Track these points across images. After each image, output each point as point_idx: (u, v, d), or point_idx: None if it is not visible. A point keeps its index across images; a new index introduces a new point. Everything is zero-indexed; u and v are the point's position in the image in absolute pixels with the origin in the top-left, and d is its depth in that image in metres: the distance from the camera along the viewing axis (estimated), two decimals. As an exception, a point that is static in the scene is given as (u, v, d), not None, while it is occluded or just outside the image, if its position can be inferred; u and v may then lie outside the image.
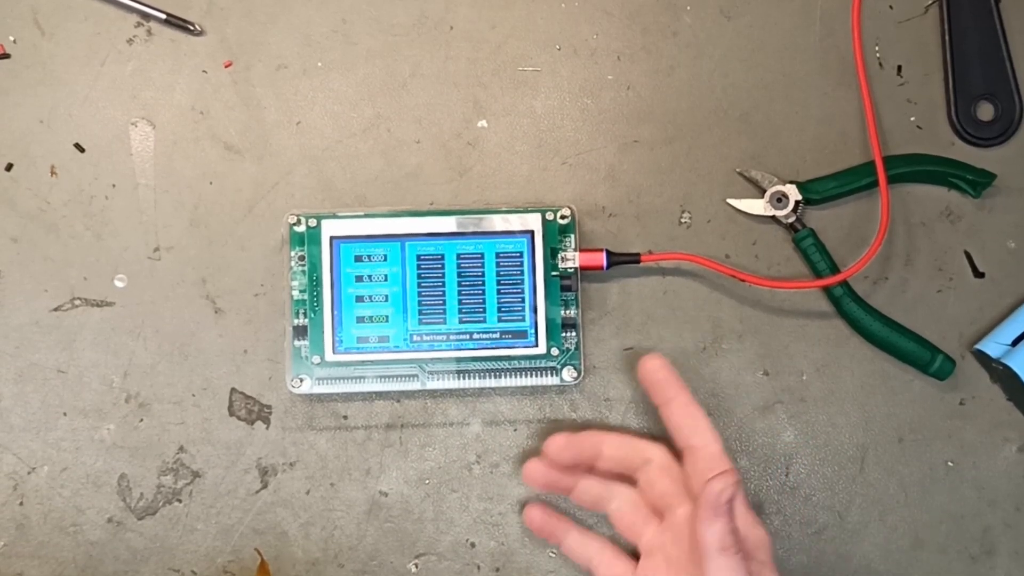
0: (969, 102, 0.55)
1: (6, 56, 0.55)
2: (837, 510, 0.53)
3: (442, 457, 0.53)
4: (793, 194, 0.54)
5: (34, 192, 0.54)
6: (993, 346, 0.52)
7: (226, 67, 0.55)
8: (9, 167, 0.54)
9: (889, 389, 0.53)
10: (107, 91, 0.55)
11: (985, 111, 0.55)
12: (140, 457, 0.52)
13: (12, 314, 0.53)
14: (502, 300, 0.51)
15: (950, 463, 0.53)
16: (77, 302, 0.53)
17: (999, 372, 0.53)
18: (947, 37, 0.55)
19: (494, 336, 0.51)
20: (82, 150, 0.54)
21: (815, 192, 0.54)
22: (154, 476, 0.52)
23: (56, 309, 0.53)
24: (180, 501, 0.52)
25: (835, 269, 0.53)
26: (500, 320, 0.51)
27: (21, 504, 0.52)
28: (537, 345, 0.51)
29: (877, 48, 0.55)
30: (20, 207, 0.54)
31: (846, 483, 0.53)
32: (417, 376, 0.51)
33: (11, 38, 0.55)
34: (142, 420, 0.53)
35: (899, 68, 0.55)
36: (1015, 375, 0.51)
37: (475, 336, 0.51)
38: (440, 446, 0.53)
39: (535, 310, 0.51)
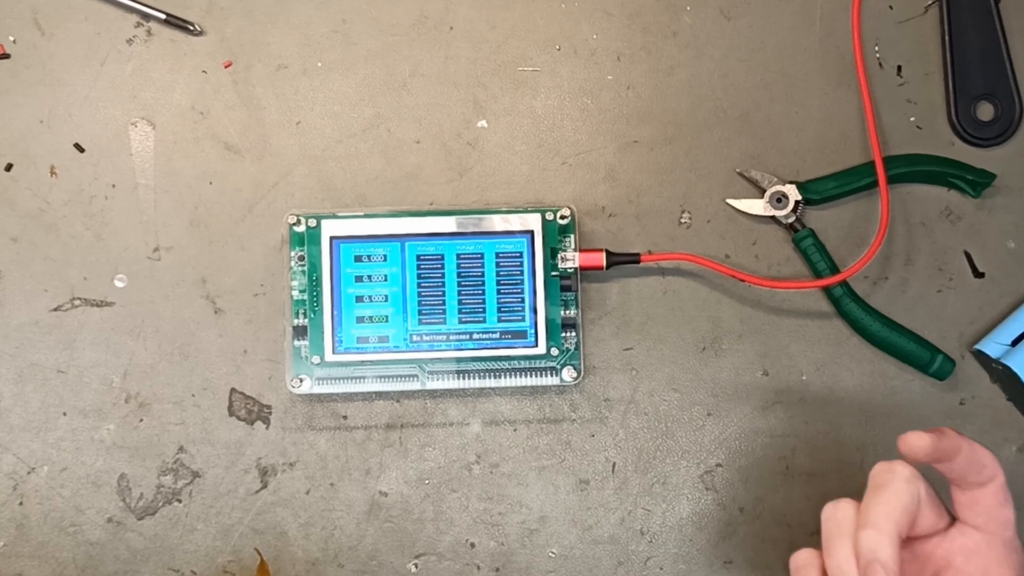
0: (969, 102, 0.55)
1: (6, 56, 0.55)
2: (837, 510, 0.53)
3: (442, 457, 0.53)
4: (793, 194, 0.54)
5: (34, 192, 0.54)
6: (993, 346, 0.52)
7: (226, 67, 0.55)
8: (9, 167, 0.54)
9: (889, 389, 0.53)
10: (107, 91, 0.55)
11: (985, 111, 0.55)
12: (140, 457, 0.52)
13: (12, 314, 0.53)
14: (502, 300, 0.51)
15: (950, 463, 0.53)
16: (77, 302, 0.53)
17: (999, 372, 0.53)
18: (947, 37, 0.55)
19: (494, 336, 0.51)
20: (82, 150, 0.54)
21: (815, 192, 0.54)
22: (154, 476, 0.52)
23: (56, 309, 0.53)
24: (180, 501, 0.52)
25: (835, 269, 0.53)
26: (500, 320, 0.51)
27: (21, 504, 0.52)
28: (537, 345, 0.51)
29: (877, 48, 0.55)
30: (20, 207, 0.54)
31: (846, 483, 0.53)
32: (417, 376, 0.51)
33: (11, 38, 0.55)
34: (142, 420, 0.53)
35: (899, 68, 0.55)
36: (1015, 375, 0.51)
37: (475, 336, 0.51)
38: (440, 446, 0.53)
39: (535, 310, 0.51)
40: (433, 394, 0.53)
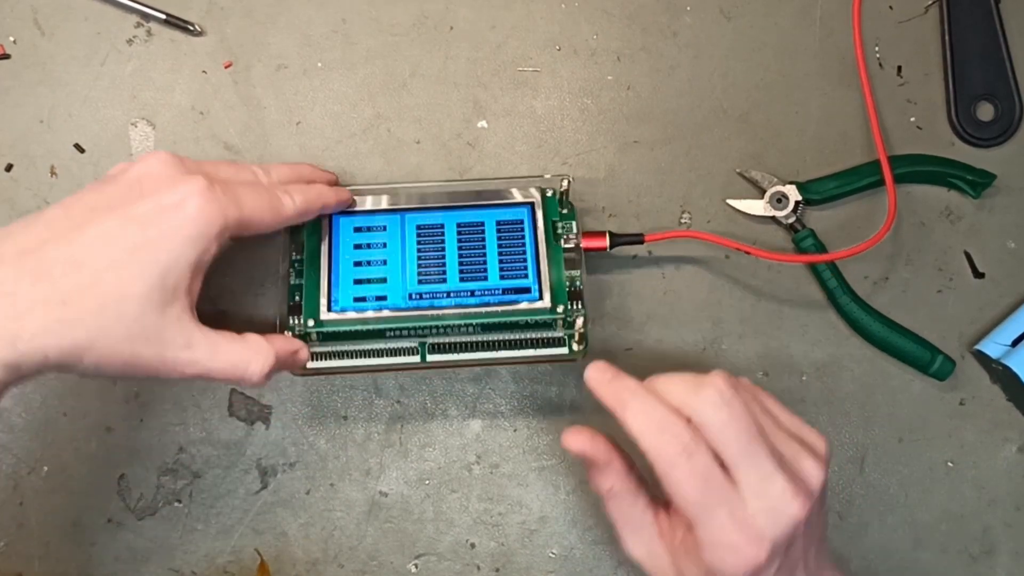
0: (969, 102, 0.55)
1: (6, 56, 0.55)
2: (837, 510, 0.53)
3: (442, 457, 0.53)
4: (793, 194, 0.54)
5: (34, 192, 0.54)
6: (993, 346, 0.52)
7: (226, 67, 0.55)
8: (9, 167, 0.54)
9: (889, 389, 0.53)
10: (107, 91, 0.55)
11: (985, 111, 0.55)
12: (140, 457, 0.52)
13: (12, 314, 0.53)
14: (504, 259, 0.49)
15: (950, 463, 0.53)
16: (77, 302, 0.53)
17: (999, 372, 0.53)
18: (947, 37, 0.55)
19: (496, 292, 0.48)
20: (82, 150, 0.54)
21: (815, 192, 0.54)
22: (154, 476, 0.52)
23: (56, 309, 0.53)
24: (180, 501, 0.52)
25: (835, 269, 0.53)
26: (502, 278, 0.49)
27: (21, 504, 0.52)
28: (541, 299, 0.48)
29: (877, 48, 0.55)
30: (20, 207, 0.54)
31: (846, 483, 0.53)
32: (415, 337, 0.48)
33: (11, 38, 0.55)
34: (142, 420, 0.53)
35: (899, 68, 0.55)
36: (1015, 375, 0.51)
37: (476, 293, 0.49)
38: (440, 446, 0.53)
39: (538, 270, 0.49)
40: (433, 394, 0.53)
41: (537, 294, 0.48)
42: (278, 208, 0.45)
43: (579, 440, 0.45)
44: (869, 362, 0.53)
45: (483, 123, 0.55)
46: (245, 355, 0.43)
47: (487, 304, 0.48)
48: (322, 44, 0.55)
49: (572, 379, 0.53)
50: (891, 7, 0.56)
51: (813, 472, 0.41)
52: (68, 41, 0.55)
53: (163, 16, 0.54)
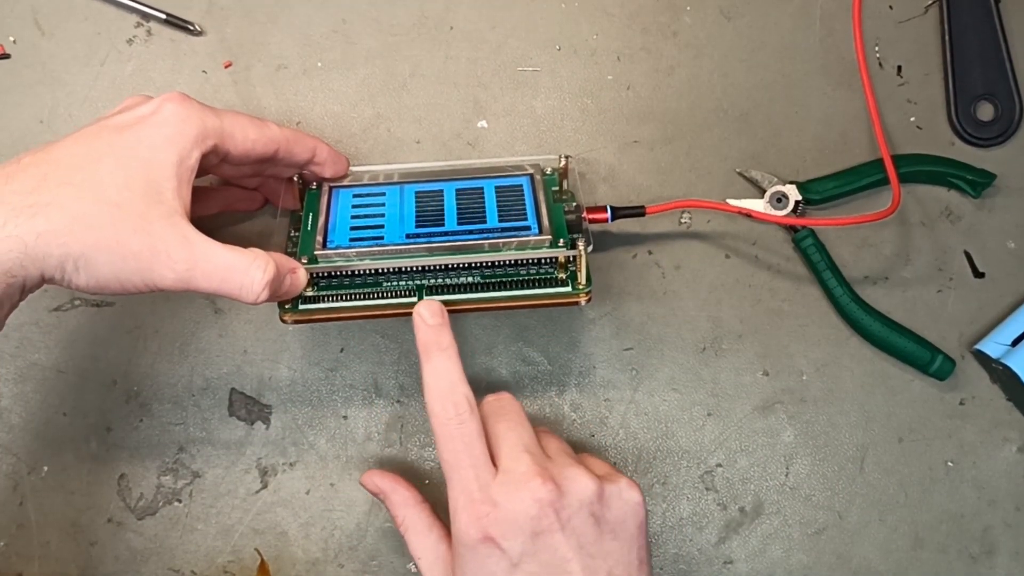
0: (969, 102, 0.55)
1: (6, 56, 0.55)
2: (837, 510, 0.53)
3: (442, 457, 0.53)
4: (793, 194, 0.54)
5: (34, 192, 0.54)
6: (993, 346, 0.52)
7: (226, 67, 0.55)
8: (9, 167, 0.54)
9: (889, 389, 0.53)
10: (107, 91, 0.55)
11: (985, 111, 0.55)
12: (140, 457, 0.52)
13: (12, 314, 0.53)
14: (503, 209, 0.48)
15: (950, 463, 0.53)
16: (77, 302, 0.53)
17: (999, 372, 0.53)
18: (947, 37, 0.55)
19: (495, 231, 0.47)
20: (82, 150, 0.54)
21: (815, 192, 0.54)
22: (154, 476, 0.52)
23: (56, 309, 0.53)
24: (180, 501, 0.52)
25: (835, 269, 0.53)
26: (501, 221, 0.47)
27: (21, 504, 0.52)
28: (541, 233, 0.46)
29: (877, 48, 0.55)
30: (20, 207, 0.53)
31: (846, 483, 0.53)
32: (412, 279, 0.47)
33: (11, 38, 0.55)
34: (142, 420, 0.53)
35: (899, 68, 0.55)
36: (1015, 375, 0.51)
37: (475, 232, 0.47)
38: (440, 446, 0.53)
39: (538, 215, 0.47)
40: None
41: (536, 230, 0.46)
42: (261, 127, 0.45)
43: (367, 479, 0.49)
44: (869, 362, 0.53)
45: (483, 123, 0.55)
46: (246, 258, 0.41)
47: (485, 238, 0.46)
48: (322, 44, 0.55)
49: (572, 381, 0.53)
50: (891, 7, 0.56)
51: (579, 478, 0.42)
52: (68, 41, 0.55)
53: (163, 16, 0.54)
